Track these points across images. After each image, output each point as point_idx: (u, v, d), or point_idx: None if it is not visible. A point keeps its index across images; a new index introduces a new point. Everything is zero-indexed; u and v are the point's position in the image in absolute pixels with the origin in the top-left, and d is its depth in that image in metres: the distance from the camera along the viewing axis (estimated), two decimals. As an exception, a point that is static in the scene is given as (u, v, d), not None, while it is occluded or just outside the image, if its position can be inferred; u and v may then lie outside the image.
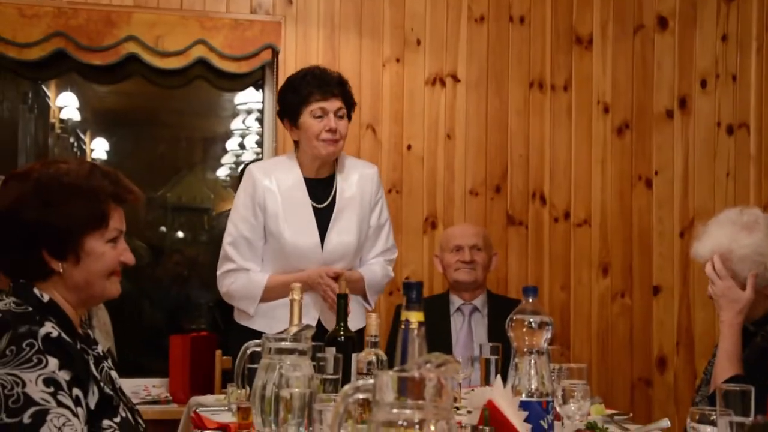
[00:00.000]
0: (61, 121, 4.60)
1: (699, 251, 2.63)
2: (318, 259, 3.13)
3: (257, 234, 3.16)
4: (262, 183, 3.17)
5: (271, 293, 3.14)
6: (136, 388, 4.06)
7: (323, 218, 3.18)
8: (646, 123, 4.49)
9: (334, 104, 3.14)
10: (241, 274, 3.16)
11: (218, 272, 3.21)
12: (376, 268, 3.26)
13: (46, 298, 1.87)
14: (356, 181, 3.24)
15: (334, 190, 3.22)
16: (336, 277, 3.04)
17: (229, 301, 3.24)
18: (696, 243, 2.66)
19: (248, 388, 2.31)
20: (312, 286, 3.05)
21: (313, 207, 3.18)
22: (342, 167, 3.27)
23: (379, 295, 3.35)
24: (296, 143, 3.27)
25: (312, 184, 3.21)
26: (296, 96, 3.16)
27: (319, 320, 3.12)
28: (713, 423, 1.80)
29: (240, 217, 3.17)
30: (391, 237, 3.34)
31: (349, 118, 3.23)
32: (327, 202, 3.20)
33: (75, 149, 4.74)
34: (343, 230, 3.18)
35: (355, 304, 3.13)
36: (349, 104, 3.22)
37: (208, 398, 2.87)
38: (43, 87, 4.54)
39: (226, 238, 3.19)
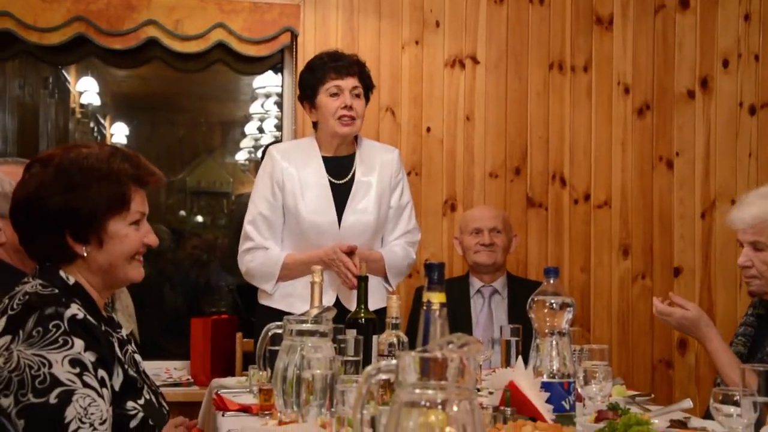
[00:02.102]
0: (81, 105, 4.62)
1: (738, 218, 2.62)
2: (335, 236, 3.15)
3: (276, 213, 3.19)
4: (280, 162, 3.21)
5: (288, 271, 3.16)
6: (158, 370, 4.10)
7: (341, 195, 3.19)
8: (667, 104, 4.47)
9: (349, 82, 3.17)
10: (260, 252, 3.19)
11: (239, 251, 3.25)
12: (396, 249, 3.27)
13: (71, 280, 1.89)
14: (377, 164, 3.26)
15: (353, 168, 3.24)
16: (350, 253, 3.05)
17: (250, 280, 3.27)
18: (735, 211, 2.65)
19: (270, 370, 2.33)
20: (328, 264, 3.07)
21: (331, 183, 3.20)
22: (361, 147, 3.29)
23: (402, 277, 3.34)
24: (315, 125, 3.29)
25: (331, 161, 3.23)
26: (313, 77, 3.21)
27: (337, 299, 3.13)
28: (737, 403, 1.80)
29: (260, 196, 3.21)
30: (413, 219, 3.35)
31: (367, 99, 3.26)
32: (345, 179, 3.22)
33: (95, 134, 4.76)
34: (361, 208, 3.20)
35: (374, 284, 3.14)
36: (366, 84, 3.24)
37: (230, 380, 2.89)
38: (63, 72, 4.56)
39: (247, 217, 3.23)
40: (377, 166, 3.26)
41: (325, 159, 3.23)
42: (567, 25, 4.40)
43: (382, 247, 3.29)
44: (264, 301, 3.25)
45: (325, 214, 3.16)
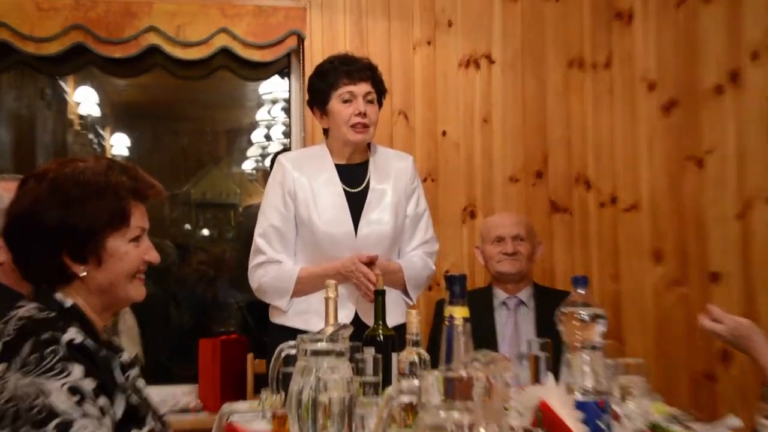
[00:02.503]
0: (80, 117, 4.63)
1: None
2: (351, 246, 3.13)
3: (288, 224, 3.17)
4: (291, 172, 3.19)
5: (304, 286, 3.14)
6: (164, 396, 4.06)
7: (356, 204, 3.18)
8: (694, 100, 4.42)
9: (362, 88, 3.16)
10: (273, 267, 3.17)
11: (249, 266, 3.22)
12: (415, 259, 3.25)
13: (68, 303, 1.87)
14: (391, 172, 3.26)
15: (368, 176, 3.23)
16: (370, 263, 3.02)
17: (262, 296, 3.24)
18: None
19: (283, 394, 2.29)
20: (346, 276, 3.05)
21: (345, 192, 3.19)
22: (375, 154, 3.29)
23: (421, 290, 3.31)
24: (326, 132, 3.27)
25: (344, 169, 3.23)
26: (324, 82, 3.20)
27: (356, 314, 3.11)
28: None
29: (271, 208, 3.19)
30: (431, 228, 3.34)
31: (380, 104, 3.26)
32: (360, 188, 3.21)
33: (94, 146, 4.76)
34: (377, 217, 3.18)
35: (393, 299, 3.10)
36: (379, 90, 3.24)
37: (241, 405, 2.85)
38: (61, 82, 4.57)
39: (257, 230, 3.21)
40: (392, 174, 3.25)
41: (338, 167, 3.22)
42: (585, 21, 4.38)
43: (400, 258, 3.25)
44: (277, 319, 3.22)
45: (340, 224, 3.15)
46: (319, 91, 3.21)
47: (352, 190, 3.20)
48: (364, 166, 3.25)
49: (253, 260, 3.20)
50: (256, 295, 3.29)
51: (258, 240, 3.19)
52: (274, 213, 3.18)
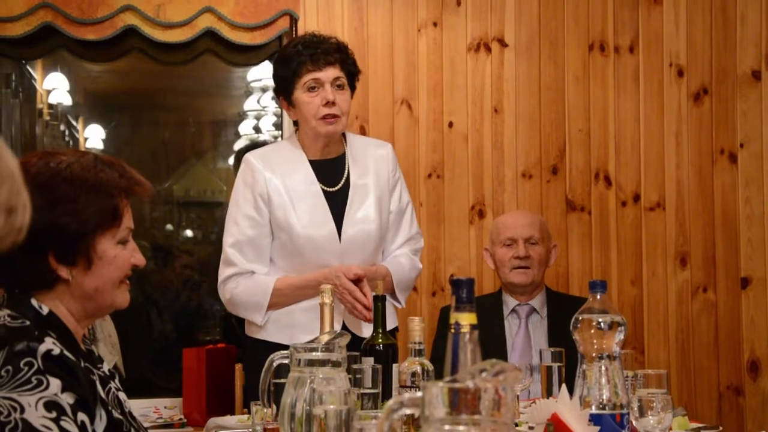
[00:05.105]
0: (50, 106, 4.66)
1: None
2: (335, 251, 3.14)
3: (262, 231, 3.16)
4: (262, 172, 3.17)
5: (281, 298, 3.13)
6: (146, 410, 4.10)
7: (337, 204, 3.18)
8: (728, 87, 4.46)
9: (329, 73, 3.13)
10: (244, 278, 3.15)
11: (219, 279, 3.19)
12: (402, 260, 3.26)
13: (45, 310, 1.89)
14: (370, 163, 3.25)
15: (346, 171, 3.23)
16: (356, 280, 3.03)
17: (234, 310, 3.24)
18: None
19: (275, 407, 2.33)
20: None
21: (324, 191, 3.18)
22: (352, 147, 3.27)
23: (409, 292, 3.35)
24: (296, 124, 3.29)
25: (319, 166, 3.21)
26: (287, 69, 3.16)
27: (344, 325, 3.12)
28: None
29: (241, 214, 3.16)
30: (415, 222, 3.33)
31: (352, 88, 3.22)
32: (339, 186, 3.21)
33: (66, 138, 4.79)
34: (361, 217, 3.18)
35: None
36: (350, 72, 3.20)
37: (229, 419, 2.89)
38: (28, 67, 4.59)
39: (227, 239, 3.17)
40: (371, 166, 3.24)
41: (313, 163, 3.21)
42: (609, 0, 4.40)
43: (383, 257, 3.28)
44: (255, 334, 3.21)
45: (321, 227, 3.15)
46: (283, 79, 3.18)
47: (331, 189, 3.19)
48: (341, 160, 3.24)
49: (223, 273, 3.16)
50: (228, 309, 3.29)
51: (228, 250, 3.15)
52: (246, 220, 3.15)
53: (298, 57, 3.14)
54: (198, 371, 4.01)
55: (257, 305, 3.14)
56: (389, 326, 2.86)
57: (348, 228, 3.16)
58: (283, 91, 3.19)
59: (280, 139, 4.40)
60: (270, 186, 3.16)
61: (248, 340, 3.25)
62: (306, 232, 3.13)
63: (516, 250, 3.63)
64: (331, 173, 3.22)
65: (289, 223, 3.13)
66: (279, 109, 4.45)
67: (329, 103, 3.10)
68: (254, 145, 4.23)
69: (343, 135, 3.28)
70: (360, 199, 3.20)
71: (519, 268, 3.62)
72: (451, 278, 3.15)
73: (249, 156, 3.25)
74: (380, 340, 2.58)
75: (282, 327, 3.14)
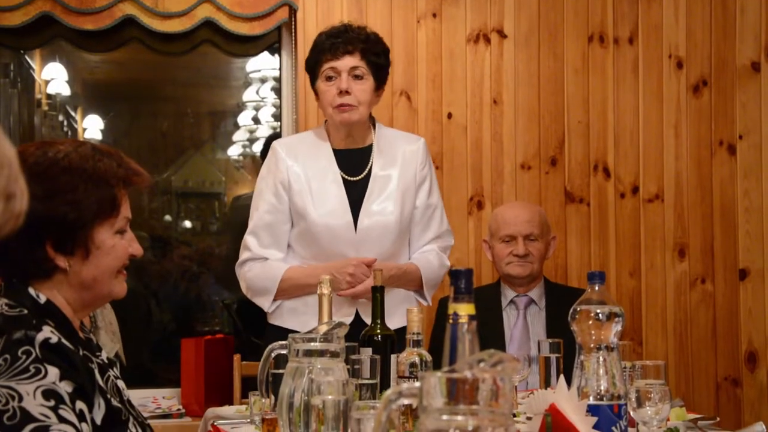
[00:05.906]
0: (48, 96, 4.65)
1: None
2: (351, 240, 3.14)
3: (281, 217, 3.18)
4: (285, 160, 3.19)
5: (290, 286, 3.14)
6: (144, 399, 4.11)
7: (357, 194, 3.18)
8: (727, 79, 4.45)
9: (347, 62, 3.13)
10: (257, 264, 3.18)
11: (236, 263, 3.25)
12: (431, 257, 3.25)
13: (42, 298, 1.90)
14: (398, 156, 3.24)
15: (370, 162, 3.23)
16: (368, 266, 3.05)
17: (248, 295, 3.27)
18: None
19: (273, 397, 2.34)
20: (338, 281, 3.03)
21: (344, 180, 3.19)
22: (380, 138, 3.26)
23: (436, 289, 3.33)
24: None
25: (343, 155, 3.22)
26: (312, 58, 3.21)
27: (357, 314, 3.12)
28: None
29: (262, 199, 3.20)
30: (445, 220, 3.32)
31: (378, 80, 3.20)
32: (361, 176, 3.21)
33: (65, 128, 4.79)
34: (379, 208, 3.17)
35: (402, 299, 3.14)
36: (375, 63, 3.18)
37: (227, 410, 2.90)
38: (27, 57, 4.58)
39: (249, 225, 3.22)
40: (399, 159, 3.23)
41: (337, 152, 3.22)
42: (608, -10, 4.40)
43: (410, 253, 3.28)
44: (272, 320, 3.22)
45: (339, 216, 3.15)
46: (309, 68, 3.22)
47: (352, 179, 3.19)
48: (366, 150, 3.23)
49: (240, 257, 3.22)
50: (246, 295, 3.32)
51: (247, 236, 3.21)
52: (265, 205, 3.18)
53: (321, 46, 3.18)
54: (196, 362, 4.01)
55: (266, 291, 3.16)
56: (401, 323, 2.82)
57: (364, 218, 3.16)
58: (311, 80, 3.24)
59: (279, 128, 4.39)
60: (291, 173, 3.18)
61: (268, 327, 3.26)
62: (323, 220, 3.14)
63: (515, 246, 3.62)
64: (355, 163, 3.22)
65: (307, 210, 3.15)
66: (278, 100, 4.44)
67: (342, 92, 3.11)
68: (275, 135, 4.24)
69: (374, 126, 3.27)
70: (380, 190, 3.19)
71: (518, 260, 3.62)
72: (449, 269, 3.14)
73: (275, 144, 3.29)
74: (379, 331, 2.58)
75: (298, 314, 3.15)
